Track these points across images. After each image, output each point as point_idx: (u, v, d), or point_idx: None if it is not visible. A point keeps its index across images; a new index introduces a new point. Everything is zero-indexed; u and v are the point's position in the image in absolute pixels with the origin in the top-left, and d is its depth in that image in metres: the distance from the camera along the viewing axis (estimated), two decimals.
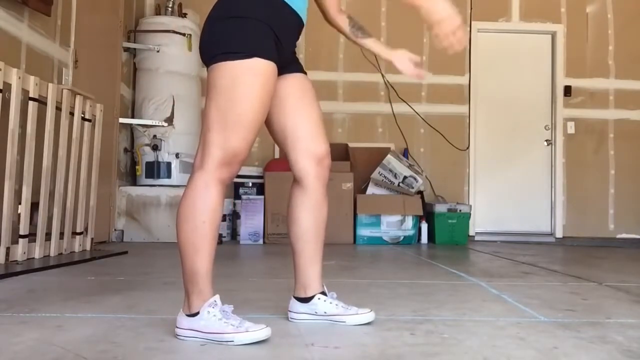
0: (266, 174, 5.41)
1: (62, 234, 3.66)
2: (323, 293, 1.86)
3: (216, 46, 1.65)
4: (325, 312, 1.84)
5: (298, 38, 1.84)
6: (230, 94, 1.62)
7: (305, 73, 1.90)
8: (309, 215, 1.83)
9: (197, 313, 1.60)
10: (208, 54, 1.68)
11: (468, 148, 6.25)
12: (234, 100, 1.62)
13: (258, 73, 1.63)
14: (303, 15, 1.79)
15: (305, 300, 1.85)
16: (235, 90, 1.62)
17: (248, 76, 1.62)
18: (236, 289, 2.37)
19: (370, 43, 1.99)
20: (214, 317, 1.59)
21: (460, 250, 5.01)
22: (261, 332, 1.58)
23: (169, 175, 5.33)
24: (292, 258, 1.89)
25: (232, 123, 1.62)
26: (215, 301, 1.62)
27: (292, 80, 1.83)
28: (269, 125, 1.84)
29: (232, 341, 1.56)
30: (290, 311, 1.88)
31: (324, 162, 1.83)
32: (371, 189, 5.63)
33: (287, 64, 1.80)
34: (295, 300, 1.87)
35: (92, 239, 4.07)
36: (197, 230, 1.62)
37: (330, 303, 1.84)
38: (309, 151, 1.80)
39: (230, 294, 2.08)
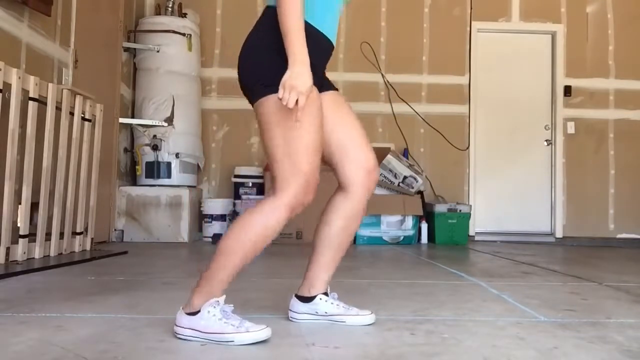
0: (266, 174, 5.40)
1: (62, 234, 3.66)
2: (325, 293, 1.87)
3: (263, 79, 1.65)
4: (326, 312, 1.85)
5: (329, 59, 1.86)
6: (288, 123, 1.62)
7: (337, 90, 1.93)
8: (343, 223, 1.85)
9: (198, 312, 1.61)
10: (255, 87, 1.67)
11: (468, 148, 6.24)
12: (295, 129, 1.62)
13: (310, 99, 1.62)
14: (334, 40, 1.81)
15: (308, 299, 1.86)
16: (284, 123, 1.62)
17: None
18: (236, 289, 2.37)
19: None
20: (213, 317, 1.59)
21: (460, 250, 5.01)
22: (261, 332, 1.58)
23: (169, 175, 5.33)
24: (309, 256, 1.89)
25: (298, 151, 1.62)
26: (217, 301, 1.62)
27: (328, 98, 1.84)
28: None
29: (233, 341, 1.56)
30: (291, 310, 1.89)
31: (372, 175, 1.85)
32: None
33: (321, 84, 1.81)
34: (297, 300, 1.88)
35: (92, 239, 4.07)
36: (243, 244, 1.63)
37: (332, 303, 1.86)
38: (359, 161, 1.82)
39: (230, 294, 2.08)
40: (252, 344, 1.55)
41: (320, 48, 1.74)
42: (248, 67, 1.70)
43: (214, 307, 1.61)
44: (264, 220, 1.63)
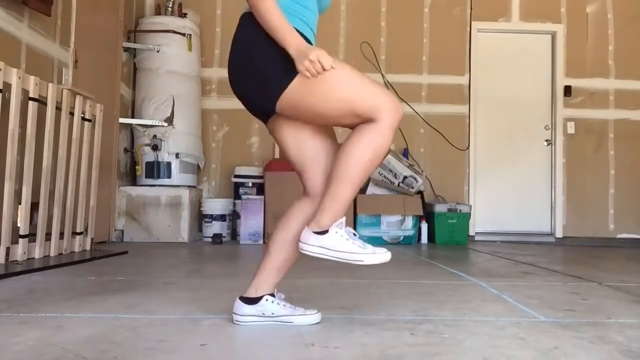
0: (266, 174, 5.40)
1: (62, 234, 3.66)
2: (271, 294, 1.83)
3: (281, 68, 1.66)
4: (272, 314, 1.81)
5: None
6: (337, 74, 1.66)
7: None
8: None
9: (326, 232, 1.67)
10: (275, 80, 1.69)
11: (468, 148, 6.24)
12: (341, 76, 1.67)
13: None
14: (314, 40, 1.83)
15: (253, 301, 1.81)
16: (333, 79, 1.66)
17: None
18: (236, 289, 2.37)
19: None
20: (341, 237, 1.67)
21: (460, 250, 5.01)
22: (385, 254, 1.68)
23: (169, 175, 5.33)
24: (261, 259, 1.85)
25: (361, 85, 1.70)
26: (342, 222, 1.69)
27: None
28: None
29: (362, 261, 1.66)
30: (235, 313, 1.83)
31: None
32: (371, 189, 5.63)
33: None
34: (241, 302, 1.82)
35: (92, 239, 4.07)
36: (363, 164, 1.67)
37: (278, 304, 1.82)
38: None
39: (230, 294, 2.08)
40: (253, 341, 1.55)
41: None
42: (257, 71, 1.71)
43: (340, 227, 1.67)
44: (374, 140, 1.66)
